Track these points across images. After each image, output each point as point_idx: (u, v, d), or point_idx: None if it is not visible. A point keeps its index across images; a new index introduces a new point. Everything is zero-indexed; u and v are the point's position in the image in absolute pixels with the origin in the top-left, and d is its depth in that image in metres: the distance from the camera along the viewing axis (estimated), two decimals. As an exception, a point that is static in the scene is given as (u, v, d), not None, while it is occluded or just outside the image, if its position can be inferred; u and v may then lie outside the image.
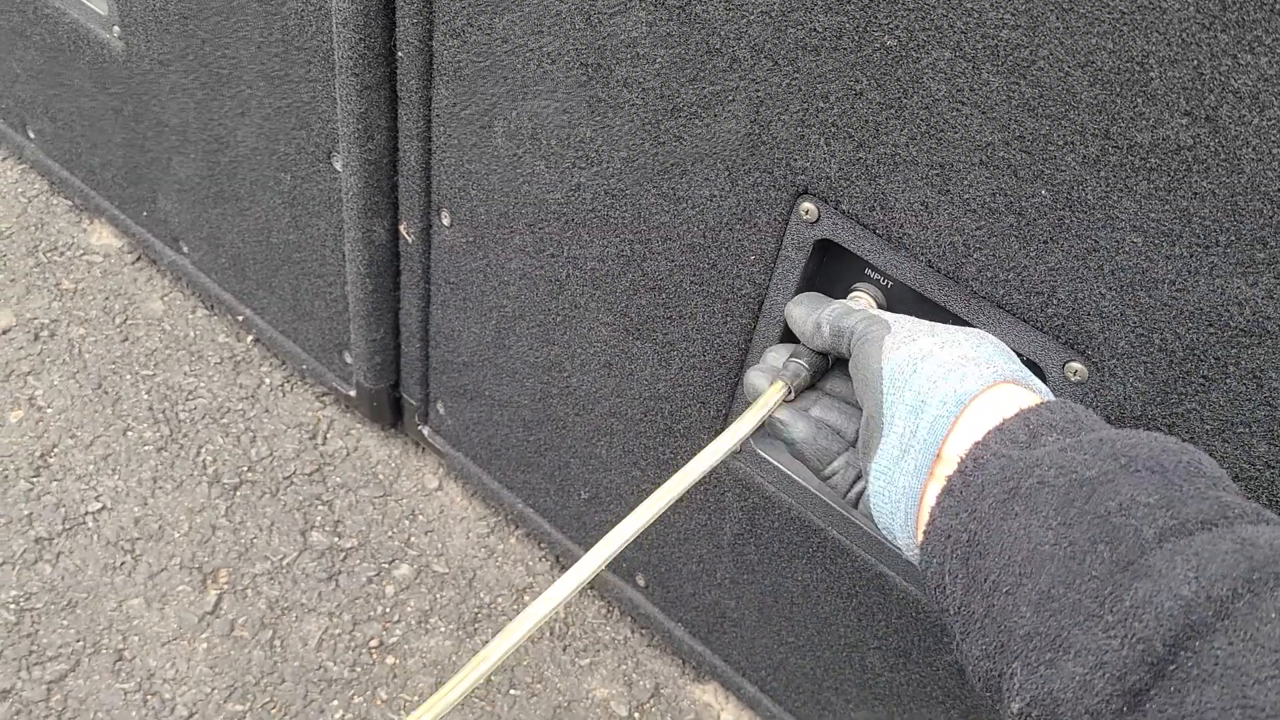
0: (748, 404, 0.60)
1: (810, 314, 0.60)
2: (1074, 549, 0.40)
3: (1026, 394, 0.49)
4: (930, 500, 0.48)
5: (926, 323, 0.55)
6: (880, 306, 0.67)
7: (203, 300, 1.29)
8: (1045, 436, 0.45)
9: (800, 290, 0.69)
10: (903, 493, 0.50)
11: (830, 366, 0.63)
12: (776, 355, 0.64)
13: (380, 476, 1.16)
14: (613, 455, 0.93)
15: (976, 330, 0.55)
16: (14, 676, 0.95)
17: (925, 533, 0.48)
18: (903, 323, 0.55)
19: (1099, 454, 0.43)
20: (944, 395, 0.49)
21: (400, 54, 0.83)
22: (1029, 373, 0.51)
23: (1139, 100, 0.48)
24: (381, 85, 0.85)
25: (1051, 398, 0.50)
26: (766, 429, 0.61)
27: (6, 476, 1.09)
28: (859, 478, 0.58)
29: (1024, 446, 0.45)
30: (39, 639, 0.98)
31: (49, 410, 1.15)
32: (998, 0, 0.50)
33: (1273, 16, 0.43)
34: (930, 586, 0.47)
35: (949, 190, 0.57)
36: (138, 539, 1.06)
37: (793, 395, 0.60)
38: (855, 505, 0.59)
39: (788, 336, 0.72)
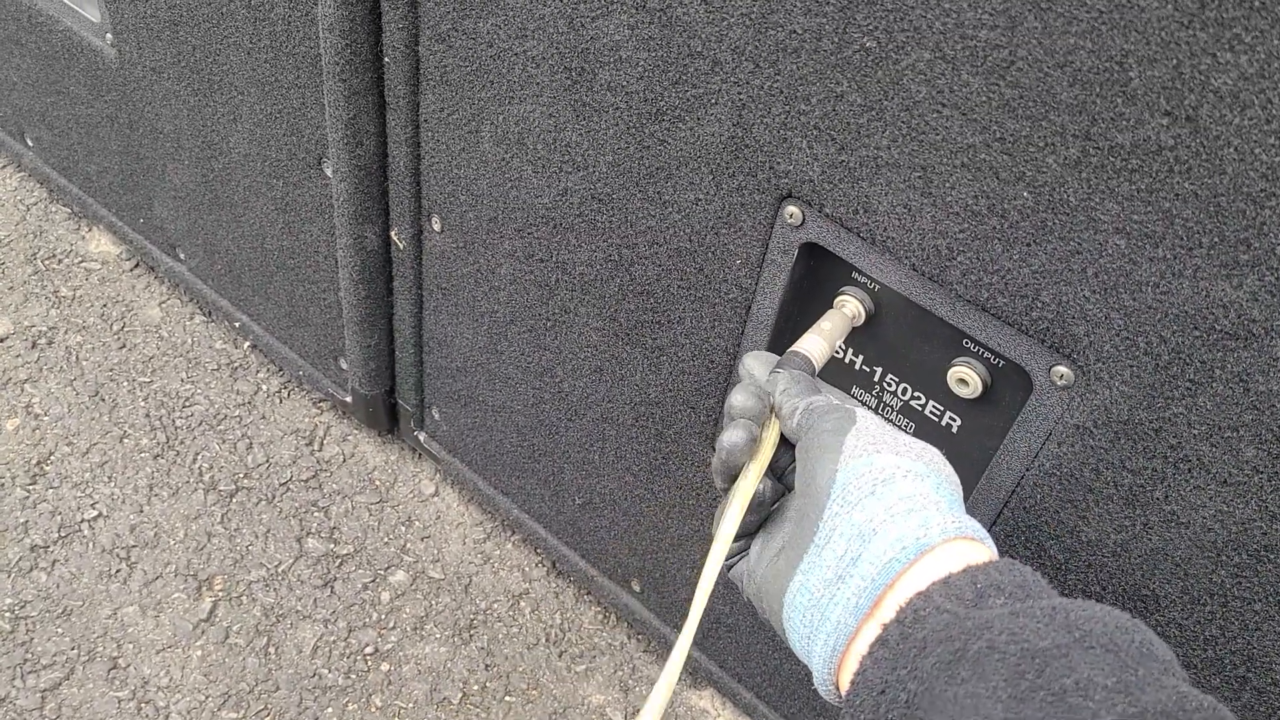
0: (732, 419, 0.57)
1: (790, 400, 0.56)
2: None
3: (978, 551, 0.47)
4: (861, 645, 0.46)
5: (892, 431, 0.52)
6: (867, 311, 0.66)
7: (200, 307, 1.29)
8: (991, 598, 0.43)
9: (787, 295, 0.68)
10: (834, 626, 0.47)
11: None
12: (758, 365, 0.60)
13: (376, 482, 1.16)
14: (605, 460, 0.92)
15: (938, 457, 0.52)
16: (8, 685, 0.95)
17: (854, 682, 0.45)
18: (868, 425, 0.52)
19: (1052, 624, 0.41)
20: (902, 535, 0.46)
21: (387, 59, 0.82)
22: (982, 529, 0.49)
23: (1119, 100, 0.47)
24: (369, 91, 0.85)
25: (997, 557, 0.48)
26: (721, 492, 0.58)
27: (3, 484, 1.09)
28: (743, 551, 0.56)
29: (969, 604, 0.43)
30: (33, 647, 0.98)
31: (46, 418, 1.15)
32: (976, 0, 0.49)
33: (1251, 14, 0.42)
34: None
35: (931, 193, 0.56)
36: (133, 546, 1.06)
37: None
38: (728, 570, 0.56)
39: (775, 343, 0.71)
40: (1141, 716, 0.37)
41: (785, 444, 0.57)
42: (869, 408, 0.71)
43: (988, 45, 0.50)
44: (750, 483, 0.54)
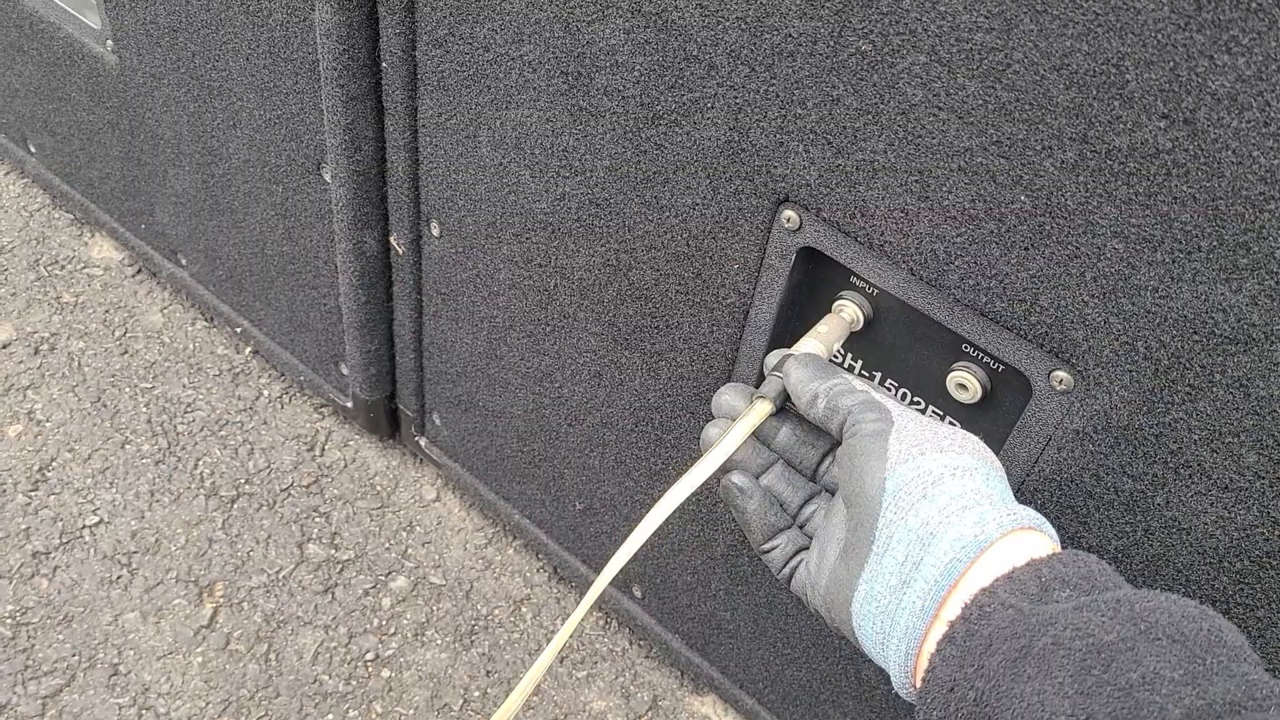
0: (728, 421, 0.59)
1: (810, 382, 0.55)
2: None
3: (1038, 541, 0.47)
4: (930, 644, 0.46)
5: (930, 427, 0.52)
6: (865, 316, 0.66)
7: (202, 312, 1.29)
8: (1057, 591, 0.43)
9: (785, 299, 0.68)
10: (904, 631, 0.47)
11: (780, 422, 0.59)
12: (730, 399, 0.60)
13: (378, 488, 1.16)
14: (605, 466, 0.92)
15: (979, 445, 0.52)
16: (10, 691, 0.95)
17: (925, 680, 0.45)
18: (906, 423, 0.52)
19: (1117, 616, 0.40)
20: (960, 535, 0.46)
21: (384, 64, 0.82)
22: (1039, 516, 0.49)
23: (1116, 103, 0.47)
24: (367, 96, 0.85)
25: (1059, 545, 0.48)
26: (721, 493, 0.59)
27: (4, 491, 1.09)
28: (796, 553, 0.56)
29: (1034, 599, 0.43)
30: (34, 654, 0.98)
31: (48, 424, 1.15)
32: (971, 3, 0.49)
33: (1249, 16, 0.42)
34: None
35: (928, 197, 0.56)
36: (134, 552, 1.06)
37: (776, 410, 0.58)
38: (788, 583, 0.56)
39: (772, 347, 0.71)
40: (1210, 708, 0.37)
41: (807, 439, 0.58)
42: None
43: (983, 48, 0.50)
44: (736, 432, 0.56)
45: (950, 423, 0.67)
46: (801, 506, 0.58)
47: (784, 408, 0.58)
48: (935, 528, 0.47)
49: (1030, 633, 0.41)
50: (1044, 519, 0.49)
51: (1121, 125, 0.47)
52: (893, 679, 0.49)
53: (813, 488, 0.58)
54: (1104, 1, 0.45)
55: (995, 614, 0.43)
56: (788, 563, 0.56)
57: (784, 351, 0.61)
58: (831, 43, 0.55)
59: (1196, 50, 0.44)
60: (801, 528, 0.58)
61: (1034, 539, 0.47)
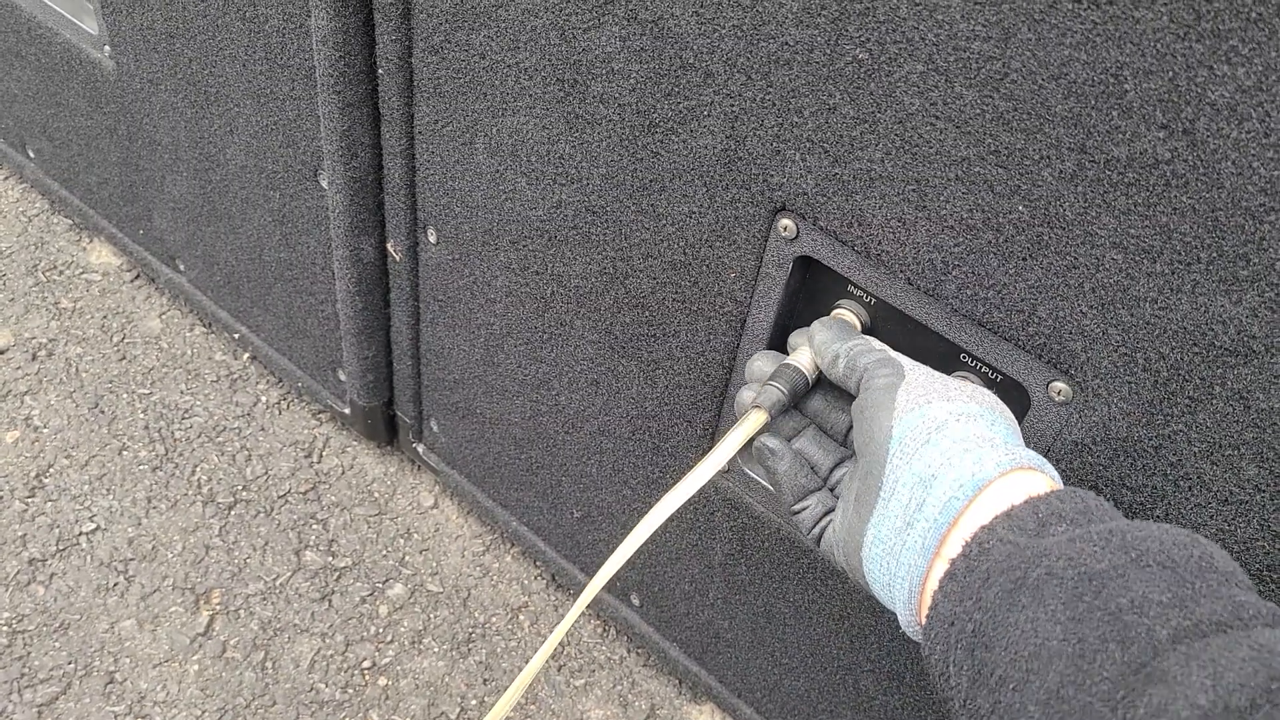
0: (735, 421, 0.59)
1: (832, 343, 0.59)
2: (1084, 647, 0.39)
3: (1037, 480, 0.48)
4: (933, 582, 0.47)
5: (940, 379, 0.54)
6: (864, 324, 0.65)
7: (200, 318, 1.28)
8: (1054, 526, 0.44)
9: (782, 308, 0.68)
10: (907, 570, 0.49)
11: (812, 388, 0.61)
12: (762, 365, 0.63)
13: (375, 494, 1.15)
14: (603, 474, 0.92)
15: (989, 396, 0.54)
16: (5, 699, 0.95)
17: (928, 616, 0.46)
18: (917, 376, 0.54)
19: (1108, 546, 0.42)
20: (959, 475, 0.48)
21: (381, 71, 0.82)
22: (1041, 458, 0.50)
23: (1114, 113, 0.46)
24: (363, 103, 0.85)
25: (1061, 485, 0.49)
26: (753, 454, 0.60)
27: (1, 497, 1.08)
28: (825, 515, 0.57)
29: (1032, 534, 0.44)
30: (30, 661, 0.98)
31: (45, 430, 1.15)
32: (969, 11, 0.49)
33: (1249, 26, 0.42)
34: (934, 673, 0.46)
35: (926, 206, 0.55)
36: (131, 560, 1.06)
37: (771, 420, 0.59)
38: (817, 543, 0.58)
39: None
40: (1197, 628, 0.37)
41: (838, 404, 0.60)
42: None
43: (981, 57, 0.49)
44: (748, 426, 0.58)
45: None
46: (833, 470, 0.59)
47: (791, 408, 0.60)
48: (937, 470, 0.48)
49: (1026, 565, 0.43)
50: (1045, 460, 0.50)
51: (1120, 135, 0.47)
52: (900, 619, 0.51)
53: (843, 452, 0.60)
54: (1102, 11, 0.45)
55: (994, 549, 0.44)
56: (817, 523, 0.58)
57: (805, 330, 0.63)
58: (828, 51, 0.55)
59: (1196, 60, 0.43)
60: (832, 490, 0.59)
61: (1033, 478, 0.48)
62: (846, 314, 0.65)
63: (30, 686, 0.96)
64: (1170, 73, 0.44)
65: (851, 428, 0.59)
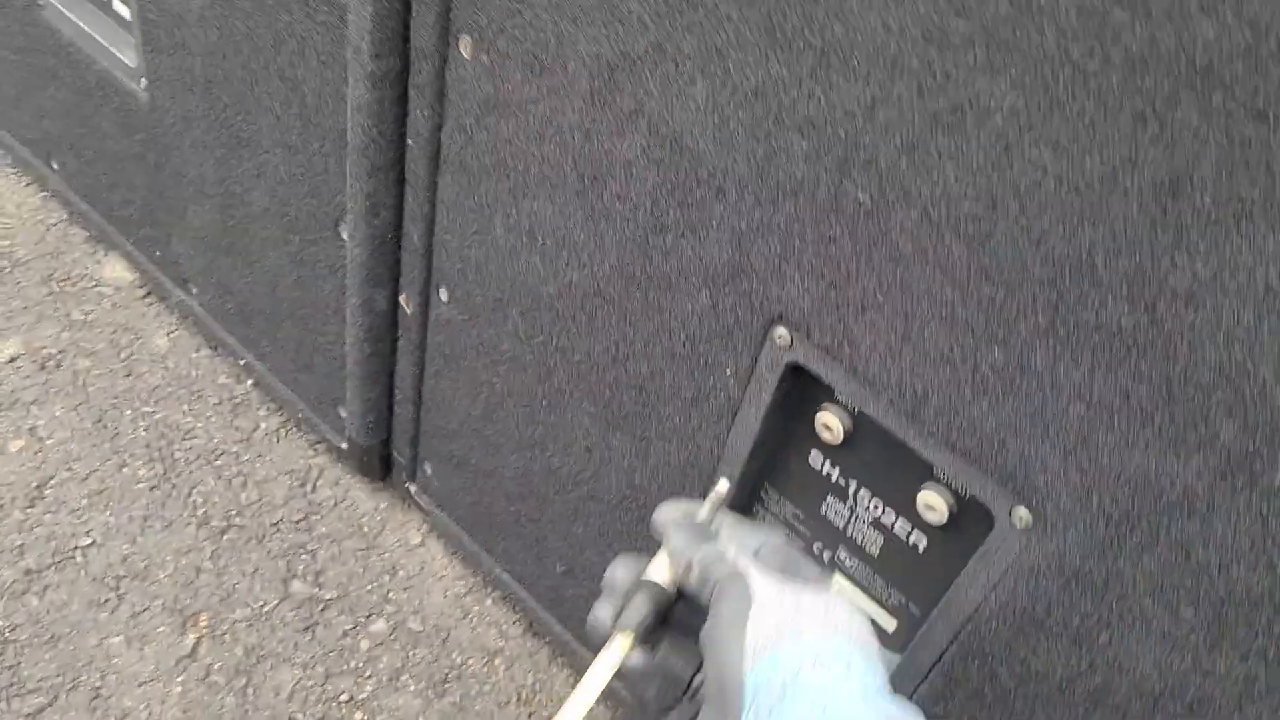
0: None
1: (686, 551, 0.57)
2: None
3: None
4: None
5: (792, 600, 0.52)
6: (845, 430, 0.70)
7: (207, 340, 1.32)
8: None
9: (773, 404, 0.72)
10: None
11: (677, 598, 0.58)
12: (623, 574, 0.59)
13: (365, 529, 1.19)
14: (589, 535, 0.95)
15: (843, 615, 0.52)
16: (-8, 707, 0.98)
17: None
18: (768, 597, 0.52)
19: None
20: None
21: (410, 142, 0.86)
22: (905, 703, 0.49)
23: (1085, 283, 0.51)
24: (391, 168, 0.89)
25: None
26: (621, 673, 0.57)
27: (2, 506, 1.12)
28: None
29: None
30: (20, 671, 1.01)
31: (49, 441, 1.18)
32: (962, 175, 0.53)
33: (1209, 226, 0.46)
34: None
35: (911, 338, 0.60)
36: (123, 577, 1.09)
37: (636, 643, 0.56)
38: None
39: (756, 448, 0.74)
40: None
41: (698, 610, 0.57)
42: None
43: (970, 217, 0.54)
44: (610, 655, 0.55)
45: (913, 543, 0.71)
46: (693, 676, 0.57)
47: (659, 623, 0.57)
48: None
49: None
50: (908, 705, 0.49)
51: (1090, 303, 0.52)
52: None
53: (676, 663, 0.57)
54: (1080, 196, 0.49)
55: None
56: None
57: (672, 505, 0.62)
58: (832, 190, 0.59)
59: (1160, 249, 0.48)
60: (693, 698, 0.57)
61: None
62: (704, 509, 0.62)
63: (19, 696, 0.99)
64: (1137, 256, 0.49)
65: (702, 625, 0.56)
